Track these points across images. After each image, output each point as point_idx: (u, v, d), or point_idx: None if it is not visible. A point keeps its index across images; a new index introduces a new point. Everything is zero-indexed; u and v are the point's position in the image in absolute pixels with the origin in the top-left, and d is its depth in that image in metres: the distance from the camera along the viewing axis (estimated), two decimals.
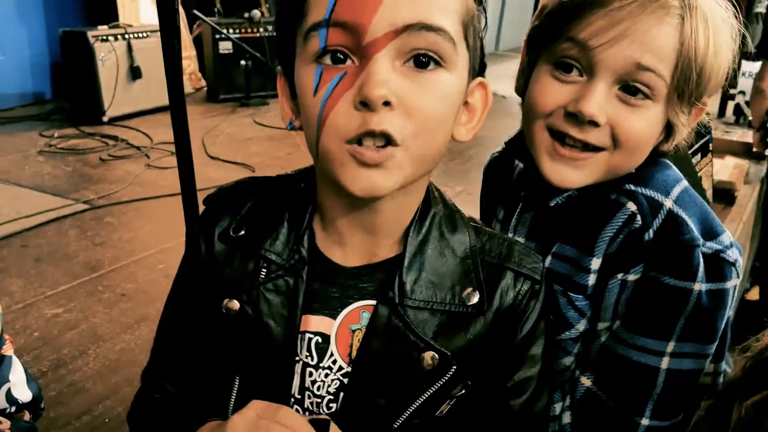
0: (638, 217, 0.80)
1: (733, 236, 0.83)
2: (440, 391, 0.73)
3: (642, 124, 0.79)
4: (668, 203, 0.80)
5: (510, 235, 0.93)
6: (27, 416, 0.97)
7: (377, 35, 0.61)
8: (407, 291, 0.72)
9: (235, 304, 0.75)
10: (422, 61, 0.63)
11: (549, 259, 0.88)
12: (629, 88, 0.77)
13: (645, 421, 0.82)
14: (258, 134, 4.63)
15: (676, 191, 0.82)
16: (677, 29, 0.75)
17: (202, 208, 0.85)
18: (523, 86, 0.88)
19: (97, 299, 2.45)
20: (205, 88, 5.72)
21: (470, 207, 0.90)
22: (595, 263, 0.83)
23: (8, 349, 0.92)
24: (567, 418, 0.87)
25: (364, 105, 0.62)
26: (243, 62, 5.35)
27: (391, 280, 0.73)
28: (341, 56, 0.63)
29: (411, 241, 0.74)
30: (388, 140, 0.63)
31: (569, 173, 0.82)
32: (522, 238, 0.93)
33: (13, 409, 0.93)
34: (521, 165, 0.96)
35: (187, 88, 5.28)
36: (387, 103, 0.62)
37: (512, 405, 0.78)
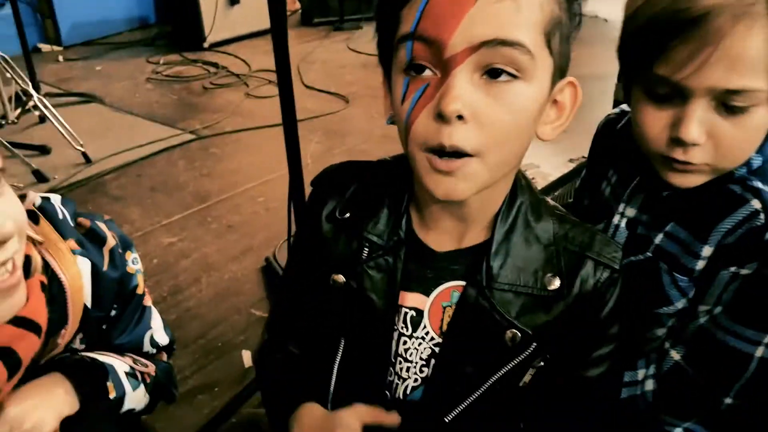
0: (762, 215, 0.82)
1: None
2: (521, 363, 0.81)
3: (744, 134, 0.79)
4: None
5: (622, 204, 0.97)
6: (164, 356, 1.13)
7: (456, 51, 0.65)
8: (494, 275, 0.80)
9: (342, 278, 0.85)
10: (497, 71, 0.66)
11: (660, 236, 0.91)
12: (726, 105, 0.77)
13: (728, 400, 0.87)
14: (352, 61, 4.66)
15: None
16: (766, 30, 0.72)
17: (302, 139, 0.93)
18: (626, 97, 0.90)
19: (207, 229, 2.66)
20: (300, 11, 5.74)
21: None
22: (707, 250, 0.86)
23: (148, 300, 1.07)
24: (650, 385, 0.93)
25: (441, 117, 0.67)
26: None
27: (479, 264, 0.80)
28: (425, 68, 0.69)
29: (498, 228, 0.80)
30: (461, 152, 0.68)
31: (687, 178, 0.84)
32: (634, 210, 0.96)
33: (154, 351, 1.09)
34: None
35: None
36: (461, 117, 0.66)
37: (588, 376, 0.85)
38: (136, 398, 0.98)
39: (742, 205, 0.83)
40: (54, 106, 3.27)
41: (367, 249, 0.84)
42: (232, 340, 2.05)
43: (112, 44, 5.04)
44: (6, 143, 2.98)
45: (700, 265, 0.87)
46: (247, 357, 1.98)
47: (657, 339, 0.95)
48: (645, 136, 0.84)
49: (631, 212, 0.96)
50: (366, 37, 5.14)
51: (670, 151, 0.82)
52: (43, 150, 3.22)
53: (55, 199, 0.94)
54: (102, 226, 0.96)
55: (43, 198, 0.92)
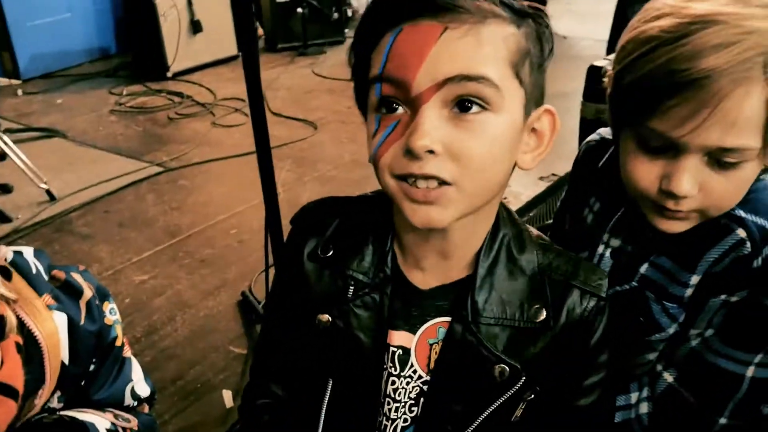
0: (748, 244, 0.83)
1: None
2: (512, 398, 0.81)
3: (734, 187, 0.80)
4: None
5: (606, 235, 0.98)
6: (146, 408, 1.09)
7: (422, 89, 0.67)
8: (479, 309, 0.79)
9: (327, 318, 0.84)
10: (466, 105, 0.68)
11: (645, 266, 0.92)
12: (719, 161, 0.77)
13: (723, 420, 0.89)
14: (318, 86, 4.66)
15: None
16: (763, 92, 0.73)
17: (277, 169, 0.93)
18: (613, 132, 0.90)
19: (179, 265, 2.61)
20: (263, 37, 5.73)
21: None
22: (695, 279, 0.88)
23: (128, 351, 1.03)
24: (645, 408, 0.94)
25: (410, 153, 0.68)
26: (299, 10, 5.32)
27: (464, 300, 0.80)
28: (395, 106, 0.71)
29: (482, 263, 0.80)
30: (440, 180, 0.69)
31: (675, 225, 0.85)
32: (618, 241, 0.97)
33: (135, 403, 1.05)
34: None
35: None
36: (431, 152, 0.67)
37: (579, 405, 0.85)
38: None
39: (728, 234, 0.84)
40: (14, 142, 3.18)
41: (352, 287, 0.84)
42: (212, 380, 2.01)
43: (72, 76, 4.95)
44: None
45: (689, 292, 0.88)
46: (228, 397, 1.94)
47: (648, 363, 0.95)
48: (635, 184, 0.84)
49: (615, 243, 0.97)
50: (330, 62, 5.16)
51: (661, 200, 0.82)
52: (5, 189, 3.13)
53: (28, 252, 0.90)
54: (77, 277, 0.93)
55: (15, 252, 0.88)
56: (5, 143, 3.12)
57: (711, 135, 0.74)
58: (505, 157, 0.72)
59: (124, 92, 4.54)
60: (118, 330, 0.97)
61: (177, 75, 4.80)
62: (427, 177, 0.69)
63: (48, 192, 3.08)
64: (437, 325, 0.83)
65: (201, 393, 1.96)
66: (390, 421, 0.85)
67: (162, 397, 1.92)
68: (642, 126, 0.79)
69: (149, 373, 1.08)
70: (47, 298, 0.86)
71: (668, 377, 0.92)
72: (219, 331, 2.21)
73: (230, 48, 5.12)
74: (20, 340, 0.79)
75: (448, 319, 0.82)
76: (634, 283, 0.93)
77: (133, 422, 1.01)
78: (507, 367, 0.79)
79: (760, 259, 0.83)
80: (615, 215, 0.97)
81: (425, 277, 0.83)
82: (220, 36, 4.95)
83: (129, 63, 5.03)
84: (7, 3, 4.66)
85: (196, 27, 4.87)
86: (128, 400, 1.01)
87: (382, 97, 0.71)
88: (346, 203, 0.91)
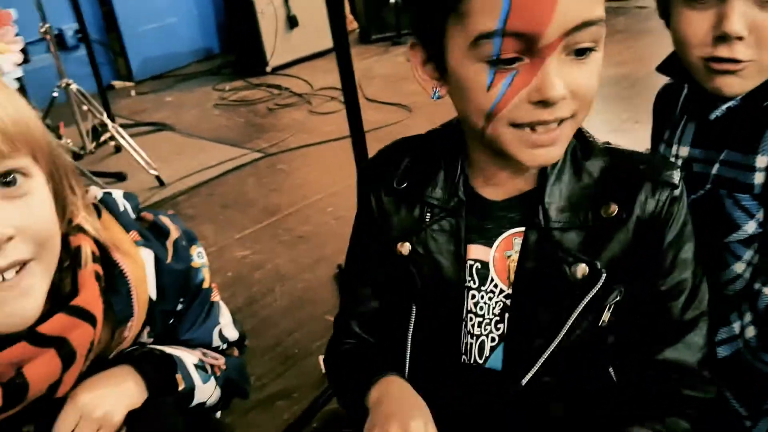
0: None
1: None
2: (595, 300, 0.80)
3: None
4: None
5: (674, 146, 0.99)
6: (236, 352, 1.12)
7: (550, 40, 0.68)
8: (550, 215, 0.81)
9: (408, 247, 0.88)
10: (583, 50, 0.70)
11: (716, 166, 0.91)
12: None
13: None
14: (412, 73, 4.65)
15: None
16: None
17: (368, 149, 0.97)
18: (662, 10, 0.93)
19: (278, 241, 2.68)
20: (357, 30, 5.81)
21: (633, 136, 0.95)
22: (761, 161, 0.86)
23: (216, 296, 1.06)
24: (751, 332, 0.89)
25: (542, 103, 0.70)
26: (392, 0, 5.35)
27: (536, 208, 0.82)
28: (514, 57, 0.70)
29: (550, 171, 0.82)
30: (561, 120, 0.73)
31: (733, 81, 0.86)
32: (687, 147, 0.97)
33: (225, 346, 1.07)
34: (686, 90, 1.00)
35: None
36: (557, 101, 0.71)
37: (671, 307, 0.83)
38: (206, 391, 0.96)
39: None
40: (129, 136, 3.40)
41: (429, 213, 0.87)
42: (308, 346, 2.05)
43: (180, 76, 5.22)
44: (86, 171, 3.12)
45: (759, 178, 0.86)
46: (323, 363, 1.96)
47: (739, 278, 0.91)
48: (688, 42, 0.87)
49: (684, 151, 0.97)
50: None
51: (715, 51, 0.84)
52: (120, 177, 3.34)
53: (117, 193, 0.94)
54: (165, 220, 0.96)
55: (105, 193, 0.92)
56: (121, 136, 3.35)
57: None
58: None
59: (227, 88, 4.73)
60: (206, 273, 0.99)
61: (276, 69, 4.95)
62: (557, 121, 0.72)
63: (158, 178, 3.26)
64: (512, 237, 0.85)
65: (298, 359, 2.00)
66: (474, 338, 0.85)
67: (261, 361, 1.99)
68: None
69: (250, 339, 1.10)
70: (134, 235, 0.89)
71: None
72: (316, 302, 2.25)
73: (326, 41, 5.20)
74: (99, 270, 0.82)
75: (522, 229, 0.84)
76: (708, 186, 0.92)
77: (221, 361, 1.03)
78: (586, 266, 0.80)
79: None
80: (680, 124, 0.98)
81: (496, 190, 0.86)
82: (316, 30, 5.04)
83: (231, 61, 5.24)
84: (119, 11, 4.99)
85: (292, 22, 5.00)
86: (216, 342, 1.04)
87: (501, 53, 0.69)
88: (416, 139, 0.95)
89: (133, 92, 4.94)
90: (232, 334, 1.08)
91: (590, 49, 0.70)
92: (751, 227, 0.89)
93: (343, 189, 2.96)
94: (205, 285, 1.00)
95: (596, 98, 0.75)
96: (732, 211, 0.90)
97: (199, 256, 0.99)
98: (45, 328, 0.75)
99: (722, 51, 0.84)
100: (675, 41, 0.91)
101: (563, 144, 0.76)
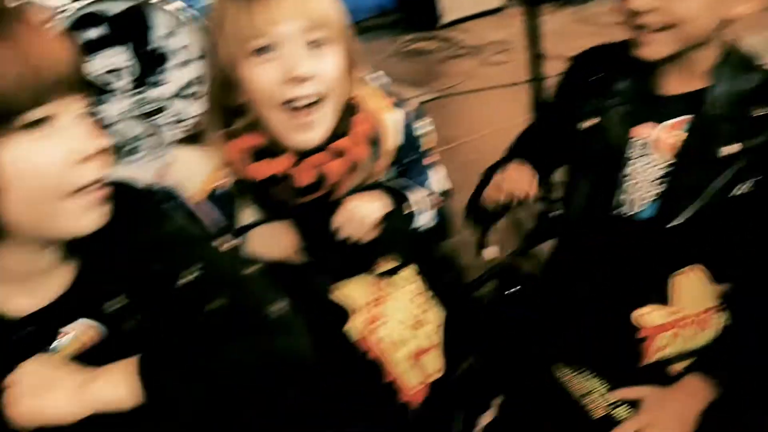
0: None
1: None
2: (736, 175, 1.06)
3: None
4: None
5: None
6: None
7: None
8: (716, 107, 1.07)
9: (589, 123, 1.19)
10: None
11: None
12: None
13: None
14: (579, 30, 4.77)
15: None
16: None
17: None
18: None
19: (449, 168, 2.99)
20: None
21: None
22: None
23: (435, 156, 1.42)
24: None
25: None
26: None
27: (702, 100, 1.09)
28: None
29: (716, 71, 1.09)
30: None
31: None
32: None
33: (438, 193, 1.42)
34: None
35: None
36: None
37: None
38: (421, 201, 1.30)
39: None
40: None
41: (611, 101, 1.16)
42: None
43: (358, 29, 5.64)
44: None
45: None
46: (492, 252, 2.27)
47: None
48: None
49: None
50: (591, 10, 5.21)
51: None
52: None
53: (378, 73, 1.35)
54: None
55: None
56: None
57: None
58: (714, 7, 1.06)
59: (403, 40, 5.12)
60: (428, 140, 1.37)
61: (447, 25, 5.26)
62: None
63: None
64: (676, 123, 1.11)
65: None
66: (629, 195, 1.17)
67: None
68: None
69: None
70: (391, 100, 1.29)
71: None
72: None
73: (492, 1, 5.48)
74: (368, 117, 1.22)
75: (689, 116, 1.10)
76: None
77: (439, 201, 1.40)
78: (734, 146, 1.05)
79: None
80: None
81: (668, 86, 1.13)
82: None
83: (405, 18, 5.63)
84: None
85: None
86: (432, 189, 1.40)
87: None
88: (607, 45, 1.24)
89: None
90: (444, 185, 1.44)
91: None
92: None
93: (514, 126, 3.21)
94: (427, 146, 1.37)
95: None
96: None
97: (424, 126, 1.36)
98: (338, 144, 1.17)
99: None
100: None
101: (667, 46, 1.08)
